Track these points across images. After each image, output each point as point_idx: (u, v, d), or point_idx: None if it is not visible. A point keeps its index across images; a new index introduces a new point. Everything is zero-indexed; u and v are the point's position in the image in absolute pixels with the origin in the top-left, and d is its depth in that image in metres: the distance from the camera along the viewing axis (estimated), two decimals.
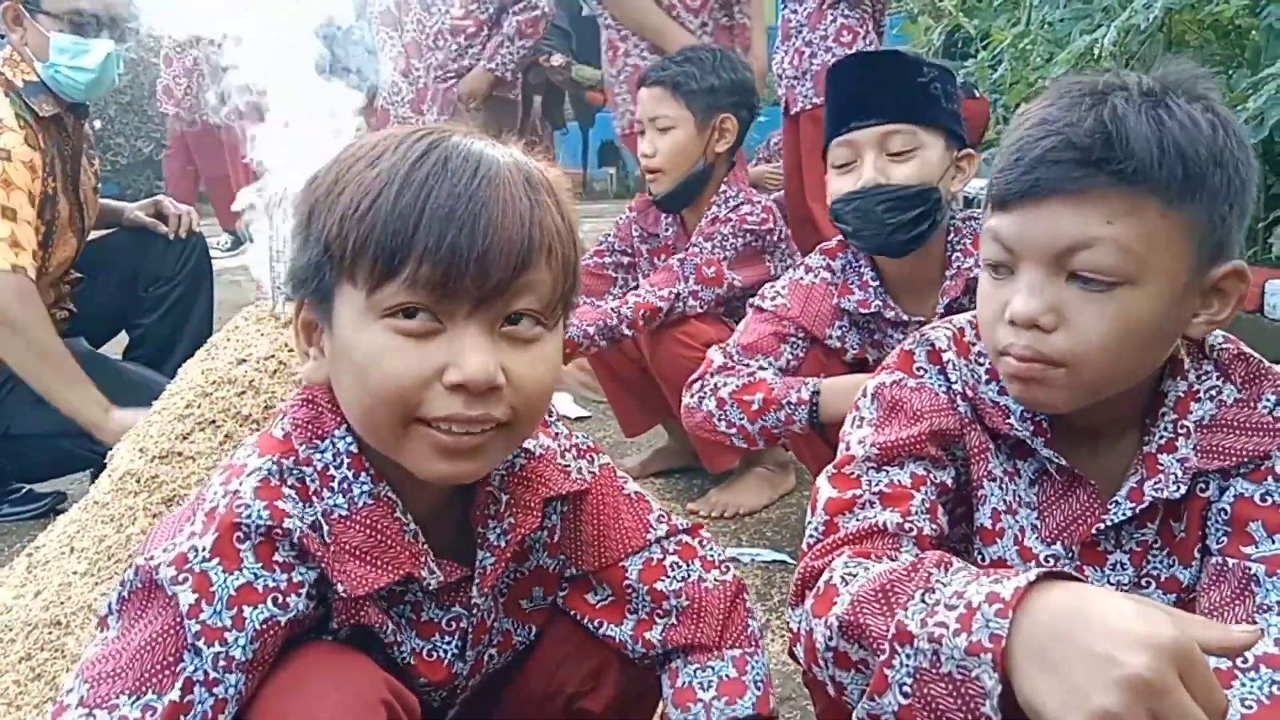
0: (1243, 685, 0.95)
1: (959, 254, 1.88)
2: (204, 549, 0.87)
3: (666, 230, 2.60)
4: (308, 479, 0.93)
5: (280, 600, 0.89)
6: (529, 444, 1.06)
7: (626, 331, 2.34)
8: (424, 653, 1.01)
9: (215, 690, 0.85)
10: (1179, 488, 1.04)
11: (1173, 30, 3.32)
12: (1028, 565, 1.08)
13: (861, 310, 1.90)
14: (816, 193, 2.85)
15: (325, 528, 0.92)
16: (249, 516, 0.89)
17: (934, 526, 1.03)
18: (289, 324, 1.83)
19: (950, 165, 1.83)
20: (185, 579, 0.86)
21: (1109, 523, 1.06)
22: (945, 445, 1.09)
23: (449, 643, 1.02)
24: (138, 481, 1.59)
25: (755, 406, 1.81)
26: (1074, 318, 0.96)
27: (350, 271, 0.87)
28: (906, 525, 1.01)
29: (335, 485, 0.93)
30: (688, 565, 1.14)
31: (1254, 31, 3.20)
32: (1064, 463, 1.07)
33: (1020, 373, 1.00)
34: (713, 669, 1.10)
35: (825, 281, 1.94)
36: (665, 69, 2.44)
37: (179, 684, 0.84)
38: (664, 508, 1.23)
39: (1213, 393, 1.06)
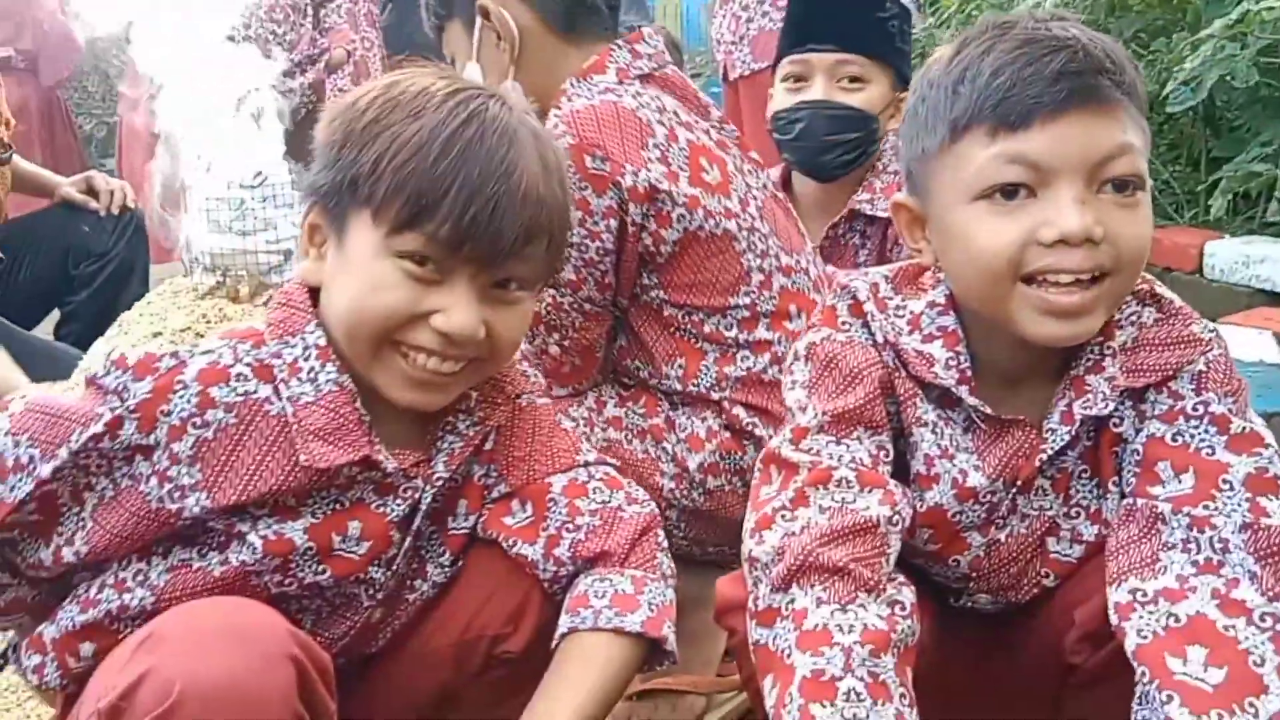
0: (1141, 617, 0.96)
1: (862, 189, 1.93)
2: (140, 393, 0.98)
3: None
4: (276, 368, 1.02)
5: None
6: None
7: None
8: (373, 506, 1.07)
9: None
10: (1107, 405, 1.05)
11: None
12: (965, 504, 1.10)
13: None
14: (762, 158, 2.83)
15: (289, 409, 1.01)
16: (176, 399, 0.98)
17: (910, 510, 1.06)
18: (206, 296, 1.82)
19: (891, 104, 1.91)
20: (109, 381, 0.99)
21: (1050, 451, 1.07)
22: (888, 397, 1.09)
23: (398, 504, 1.08)
24: None
25: None
26: (1115, 228, 0.97)
27: (375, 209, 0.98)
28: (894, 520, 1.02)
29: (303, 376, 1.02)
30: (611, 493, 1.16)
31: None
32: (989, 412, 1.08)
33: (1073, 306, 0.98)
34: (610, 581, 1.11)
35: None
36: None
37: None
38: None
39: (1133, 318, 1.08)
